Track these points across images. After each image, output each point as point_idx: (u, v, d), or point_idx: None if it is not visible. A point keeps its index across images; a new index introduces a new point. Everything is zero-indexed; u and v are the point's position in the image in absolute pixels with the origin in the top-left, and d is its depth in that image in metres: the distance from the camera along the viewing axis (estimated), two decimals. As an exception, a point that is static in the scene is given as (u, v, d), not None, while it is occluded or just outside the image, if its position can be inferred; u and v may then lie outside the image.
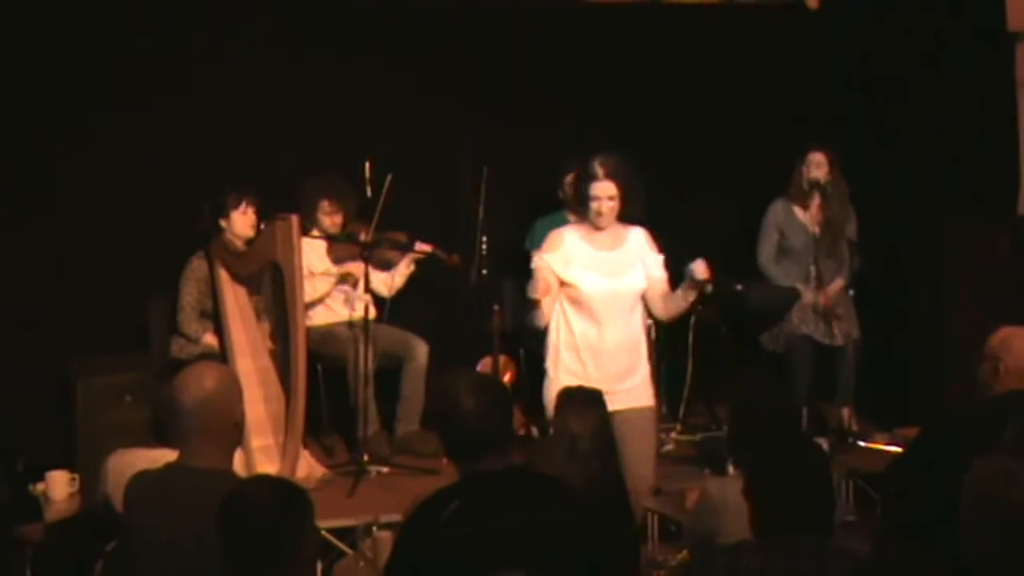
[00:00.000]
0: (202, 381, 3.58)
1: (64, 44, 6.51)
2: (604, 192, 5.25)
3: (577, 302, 5.25)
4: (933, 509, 3.87)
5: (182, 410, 3.56)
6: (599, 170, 5.25)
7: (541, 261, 5.26)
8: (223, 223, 6.25)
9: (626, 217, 5.33)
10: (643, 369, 5.36)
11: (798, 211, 6.97)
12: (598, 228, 5.29)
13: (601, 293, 5.22)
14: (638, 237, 5.38)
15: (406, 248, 6.53)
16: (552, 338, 5.30)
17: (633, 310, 5.34)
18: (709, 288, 5.46)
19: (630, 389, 5.27)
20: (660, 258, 5.41)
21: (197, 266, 6.26)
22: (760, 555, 3.16)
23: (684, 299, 5.38)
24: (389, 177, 6.23)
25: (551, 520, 3.50)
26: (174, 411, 3.59)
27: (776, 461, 3.31)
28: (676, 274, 6.47)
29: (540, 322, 5.27)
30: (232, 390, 3.66)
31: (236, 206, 6.25)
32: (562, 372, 5.24)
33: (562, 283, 5.24)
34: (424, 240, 6.59)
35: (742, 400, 4.16)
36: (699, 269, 5.27)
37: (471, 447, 3.57)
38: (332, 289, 6.58)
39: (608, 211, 5.26)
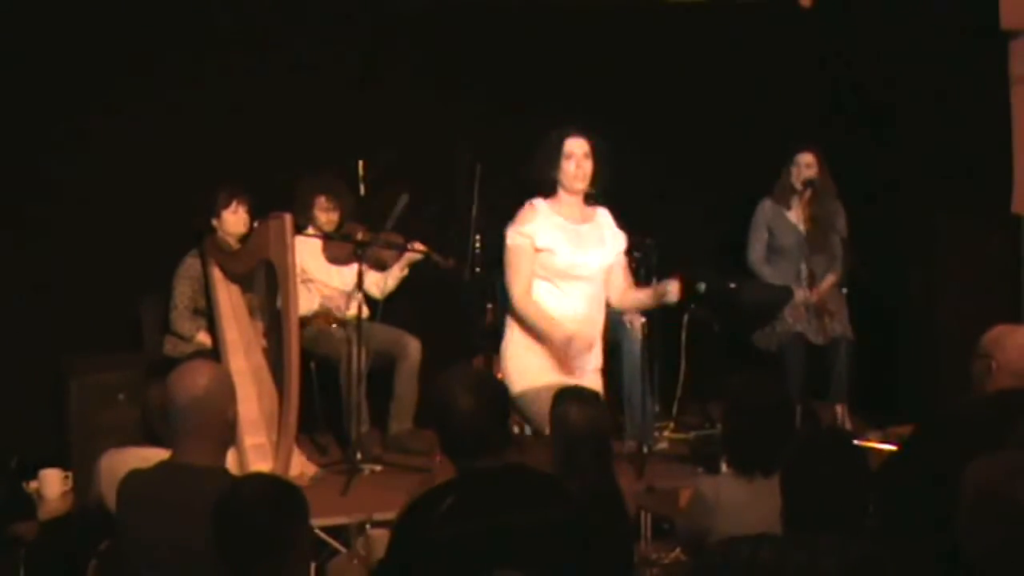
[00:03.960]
0: (196, 379, 3.59)
1: (61, 45, 6.50)
2: (580, 148, 5.24)
3: (545, 270, 5.23)
4: (927, 507, 3.88)
5: (175, 408, 3.57)
6: (569, 129, 5.26)
7: (517, 239, 5.23)
8: (215, 222, 6.26)
9: (596, 185, 5.31)
10: (596, 358, 5.32)
11: (786, 210, 6.98)
12: (573, 191, 5.24)
13: (568, 264, 5.22)
14: (606, 216, 5.40)
15: (401, 248, 6.52)
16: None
17: (598, 288, 5.34)
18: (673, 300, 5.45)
19: (587, 372, 5.28)
20: (623, 237, 5.45)
21: (190, 264, 6.26)
22: (779, 550, 3.14)
23: (642, 304, 5.39)
24: (405, 198, 6.24)
25: (546, 519, 3.51)
26: (167, 409, 3.60)
27: (806, 457, 3.29)
28: (668, 273, 6.51)
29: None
30: (225, 389, 3.66)
31: (227, 205, 6.27)
32: (518, 335, 5.26)
33: (536, 250, 5.24)
34: (419, 243, 6.57)
35: (736, 398, 4.16)
36: (672, 292, 5.27)
37: (467, 445, 3.59)
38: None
39: (586, 169, 5.23)
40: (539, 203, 5.31)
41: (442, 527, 3.42)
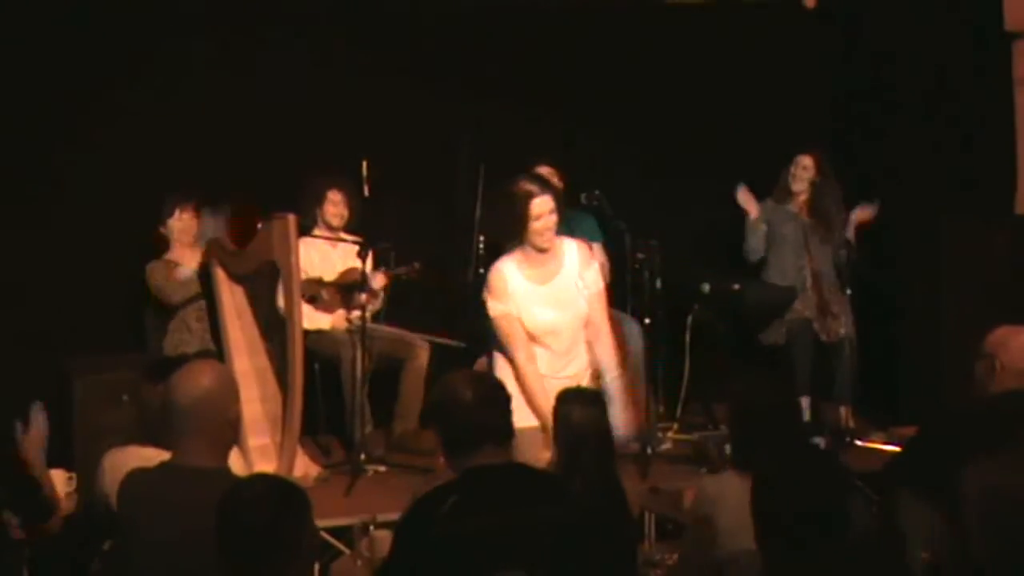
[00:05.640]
0: (198, 379, 3.56)
1: (62, 46, 6.51)
2: (547, 206, 5.18)
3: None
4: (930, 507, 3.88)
5: (177, 408, 3.53)
6: (533, 187, 5.19)
7: (499, 309, 5.19)
8: (163, 230, 6.34)
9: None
10: None
11: (785, 205, 7.01)
12: (542, 249, 5.22)
13: (548, 325, 5.19)
14: (573, 255, 5.30)
15: (362, 288, 6.47)
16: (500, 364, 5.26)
17: (579, 337, 5.30)
18: None
19: None
20: (596, 268, 5.38)
21: (152, 269, 6.34)
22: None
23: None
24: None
25: (549, 518, 3.50)
26: (169, 409, 3.58)
27: (779, 470, 3.28)
28: (671, 275, 6.53)
29: None
30: (227, 389, 3.64)
31: (171, 213, 6.37)
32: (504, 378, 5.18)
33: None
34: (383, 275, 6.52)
35: (739, 400, 4.15)
36: None
37: (467, 439, 3.59)
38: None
39: (553, 225, 5.19)
40: (506, 268, 5.22)
41: (445, 527, 3.42)
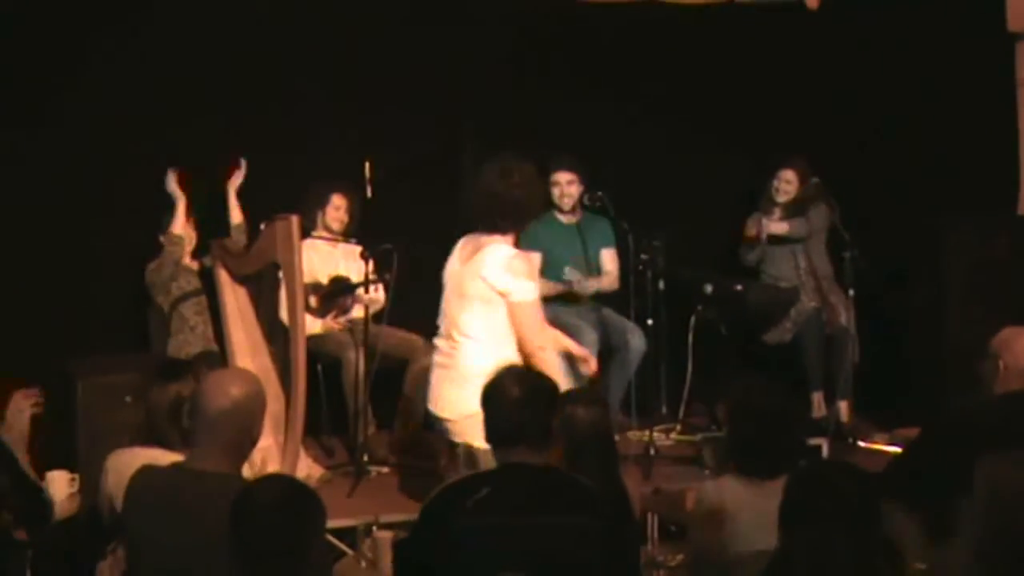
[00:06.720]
0: (228, 390, 3.52)
1: (63, 41, 6.51)
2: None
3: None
4: (932, 509, 3.88)
5: (202, 415, 3.51)
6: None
7: (536, 292, 5.03)
8: (163, 239, 6.37)
9: None
10: None
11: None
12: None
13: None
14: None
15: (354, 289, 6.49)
16: (486, 350, 5.00)
17: None
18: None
19: None
20: None
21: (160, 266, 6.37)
22: None
23: None
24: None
25: (570, 528, 3.53)
26: (193, 413, 3.57)
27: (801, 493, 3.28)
28: (674, 275, 6.51)
29: None
30: (256, 405, 3.58)
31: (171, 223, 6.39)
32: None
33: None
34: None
35: (738, 404, 4.15)
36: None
37: (504, 435, 3.68)
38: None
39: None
40: (515, 249, 5.11)
41: (467, 520, 3.49)
